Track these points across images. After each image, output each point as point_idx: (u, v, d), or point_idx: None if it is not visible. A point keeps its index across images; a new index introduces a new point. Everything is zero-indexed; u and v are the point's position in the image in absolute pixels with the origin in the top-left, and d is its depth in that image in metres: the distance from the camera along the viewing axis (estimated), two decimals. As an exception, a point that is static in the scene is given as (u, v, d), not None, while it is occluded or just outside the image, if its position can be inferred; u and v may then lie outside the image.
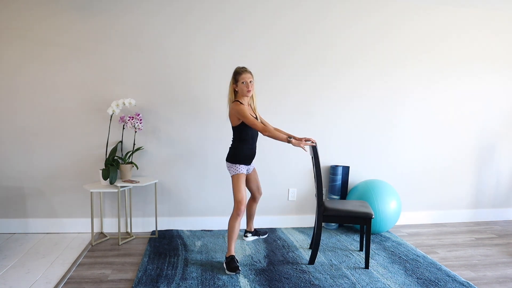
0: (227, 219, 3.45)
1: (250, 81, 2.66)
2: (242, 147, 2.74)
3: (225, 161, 2.88)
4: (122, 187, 3.03)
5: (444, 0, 3.46)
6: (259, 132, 2.80)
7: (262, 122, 2.91)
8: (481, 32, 3.70)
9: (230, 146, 2.83)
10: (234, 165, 2.72)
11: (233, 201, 2.72)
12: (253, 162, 2.90)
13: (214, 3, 3.24)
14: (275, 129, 2.94)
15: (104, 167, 3.11)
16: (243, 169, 2.73)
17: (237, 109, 2.61)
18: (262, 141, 3.34)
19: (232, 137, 2.80)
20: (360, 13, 3.46)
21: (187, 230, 3.42)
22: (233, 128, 2.76)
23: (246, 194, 2.69)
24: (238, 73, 2.68)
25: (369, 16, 3.47)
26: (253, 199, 3.10)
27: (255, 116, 2.77)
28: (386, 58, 3.56)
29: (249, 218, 3.18)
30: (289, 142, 2.54)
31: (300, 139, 2.59)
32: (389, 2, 3.49)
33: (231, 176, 2.73)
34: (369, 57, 3.53)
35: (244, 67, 2.72)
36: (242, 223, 3.42)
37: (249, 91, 2.66)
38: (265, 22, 3.33)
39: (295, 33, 3.38)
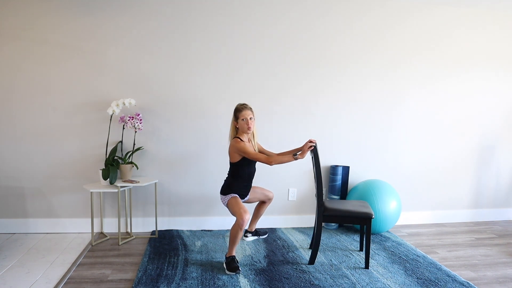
0: (227, 219, 3.45)
1: (250, 118, 2.69)
2: (238, 184, 2.78)
3: (220, 194, 2.91)
4: (122, 187, 3.03)
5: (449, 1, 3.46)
6: (256, 169, 2.86)
7: (264, 153, 2.92)
8: (482, 32, 3.70)
9: (225, 179, 2.86)
10: (227, 195, 2.75)
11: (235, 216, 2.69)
12: None
13: (214, 3, 3.24)
14: (278, 154, 2.88)
15: (104, 167, 3.11)
16: (235, 193, 2.75)
17: (237, 147, 2.63)
18: (262, 141, 3.34)
19: (229, 171, 2.82)
20: (359, 12, 3.46)
21: (187, 230, 3.42)
22: (231, 164, 2.77)
23: (244, 207, 2.62)
24: (238, 110, 2.71)
25: (368, 16, 3.47)
26: (264, 202, 3.10)
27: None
28: (386, 59, 3.56)
29: (255, 217, 3.17)
30: (296, 159, 2.57)
31: (303, 150, 2.59)
32: (387, 2, 3.49)
33: (226, 205, 2.74)
34: (369, 57, 3.53)
35: (244, 104, 2.74)
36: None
37: (249, 128, 2.68)
38: (265, 22, 3.33)
39: (294, 32, 3.38)
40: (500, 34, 3.73)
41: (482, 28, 3.69)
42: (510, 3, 3.48)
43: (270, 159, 2.58)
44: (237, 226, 2.54)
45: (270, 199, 3.08)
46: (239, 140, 2.68)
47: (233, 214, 2.64)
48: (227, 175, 2.85)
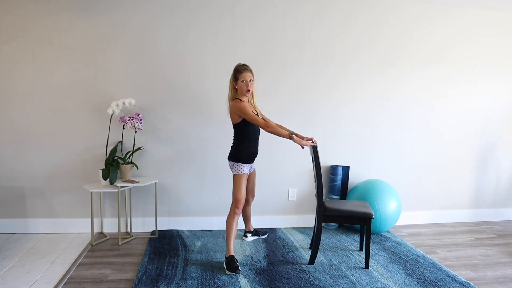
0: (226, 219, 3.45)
1: (250, 80, 2.64)
2: (245, 145, 2.71)
3: (227, 160, 2.86)
4: (122, 187, 3.03)
5: (449, 1, 3.46)
6: (261, 130, 2.79)
7: (263, 119, 2.88)
8: (483, 33, 3.70)
9: (232, 144, 2.80)
10: (237, 164, 2.70)
11: (232, 199, 2.72)
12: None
13: (215, 7, 3.24)
14: (277, 125, 2.90)
15: (104, 167, 3.11)
16: (246, 169, 2.71)
17: (238, 106, 2.60)
18: (262, 141, 3.33)
19: (233, 135, 2.78)
20: (364, 13, 3.46)
21: (187, 230, 3.42)
22: (234, 126, 2.73)
23: (245, 194, 2.69)
24: (239, 72, 2.65)
25: (371, 16, 3.47)
26: (246, 202, 3.06)
27: (256, 113, 2.75)
28: (386, 59, 3.56)
29: (246, 219, 3.18)
30: (290, 138, 2.54)
31: (302, 137, 2.60)
32: (389, 4, 3.49)
33: (233, 175, 2.72)
34: (369, 57, 3.52)
35: (245, 65, 2.68)
36: (240, 224, 3.44)
37: (248, 90, 2.64)
38: (267, 21, 3.32)
39: (297, 32, 3.38)
40: (501, 33, 3.73)
41: (483, 29, 3.69)
42: (509, 4, 3.49)
43: (267, 124, 2.56)
44: (233, 213, 2.66)
45: (253, 197, 3.08)
46: (239, 100, 2.64)
47: (234, 191, 2.67)
48: (233, 140, 2.79)
